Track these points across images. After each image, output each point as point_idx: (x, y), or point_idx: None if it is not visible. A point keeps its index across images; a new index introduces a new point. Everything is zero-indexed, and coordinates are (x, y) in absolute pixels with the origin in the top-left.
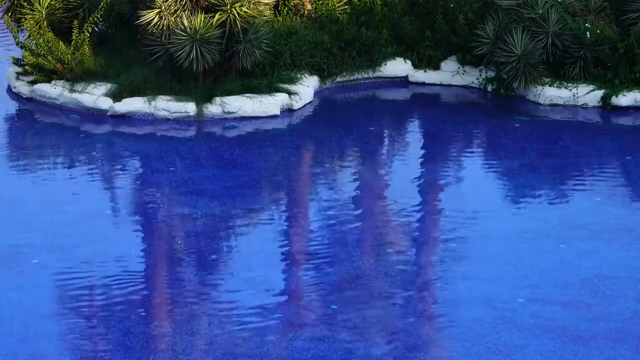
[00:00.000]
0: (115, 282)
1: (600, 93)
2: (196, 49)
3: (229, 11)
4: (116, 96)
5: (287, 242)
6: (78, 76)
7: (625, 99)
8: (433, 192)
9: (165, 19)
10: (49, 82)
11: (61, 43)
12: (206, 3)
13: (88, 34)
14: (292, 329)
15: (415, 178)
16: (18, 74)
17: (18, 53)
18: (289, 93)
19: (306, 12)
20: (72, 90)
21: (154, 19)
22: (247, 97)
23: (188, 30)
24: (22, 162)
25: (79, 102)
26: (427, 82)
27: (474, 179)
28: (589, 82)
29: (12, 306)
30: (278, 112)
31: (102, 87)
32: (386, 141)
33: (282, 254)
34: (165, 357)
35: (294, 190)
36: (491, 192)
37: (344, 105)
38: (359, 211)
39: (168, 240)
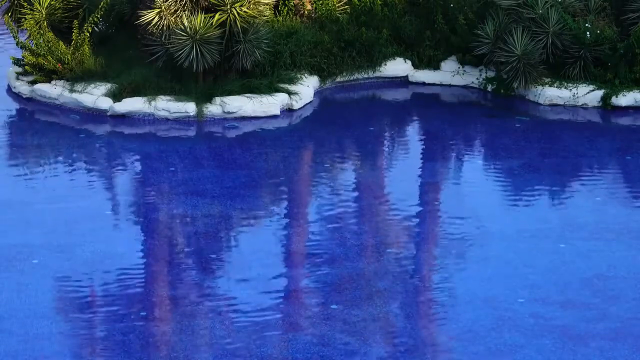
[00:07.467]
0: (115, 282)
1: (600, 93)
2: (196, 49)
3: (229, 11)
4: (116, 96)
5: (287, 242)
6: (78, 76)
7: (625, 99)
8: (433, 192)
9: (165, 19)
10: (49, 82)
11: (61, 43)
12: (206, 3)
13: (88, 34)
14: (292, 329)
15: (415, 178)
16: (18, 74)
17: (18, 53)
18: (289, 93)
19: (306, 12)
20: (72, 90)
21: (154, 19)
22: (247, 97)
23: (188, 30)
24: (22, 162)
25: (79, 102)
26: (427, 82)
27: (474, 179)
28: (589, 82)
29: (12, 306)
30: (278, 112)
31: (102, 87)
32: (386, 141)
33: (282, 253)
34: (165, 357)
35: (294, 190)
36: (491, 192)
37: (344, 105)
38: (359, 211)
39: (168, 240)
